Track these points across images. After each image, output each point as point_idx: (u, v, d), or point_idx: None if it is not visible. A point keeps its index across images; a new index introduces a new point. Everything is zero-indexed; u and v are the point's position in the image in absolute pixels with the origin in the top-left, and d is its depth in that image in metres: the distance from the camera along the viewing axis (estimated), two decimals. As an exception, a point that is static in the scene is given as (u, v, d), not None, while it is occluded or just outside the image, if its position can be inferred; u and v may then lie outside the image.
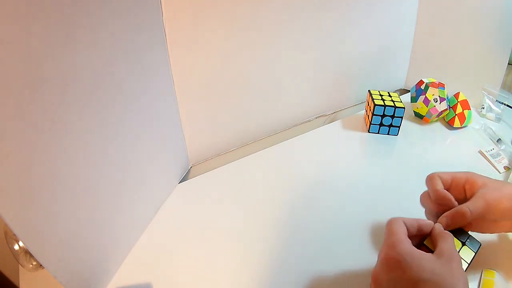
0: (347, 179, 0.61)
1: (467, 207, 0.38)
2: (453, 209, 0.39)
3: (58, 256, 0.35)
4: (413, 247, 0.33)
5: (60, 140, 0.34)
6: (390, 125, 0.71)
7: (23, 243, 0.33)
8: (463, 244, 0.39)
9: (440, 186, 0.41)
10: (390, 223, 0.36)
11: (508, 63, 0.74)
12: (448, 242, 0.34)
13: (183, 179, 0.63)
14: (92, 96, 0.38)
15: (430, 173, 0.43)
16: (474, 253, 0.39)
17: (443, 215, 0.39)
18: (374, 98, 0.70)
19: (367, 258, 0.46)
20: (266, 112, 0.73)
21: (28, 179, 0.31)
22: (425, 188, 0.59)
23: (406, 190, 0.58)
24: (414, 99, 0.74)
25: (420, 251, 0.33)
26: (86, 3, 0.35)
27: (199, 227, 0.52)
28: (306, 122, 0.80)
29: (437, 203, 0.41)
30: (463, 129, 0.73)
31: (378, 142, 0.70)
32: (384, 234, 0.36)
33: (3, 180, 0.28)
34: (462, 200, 0.41)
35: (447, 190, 0.41)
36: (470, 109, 0.72)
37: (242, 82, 0.65)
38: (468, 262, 0.38)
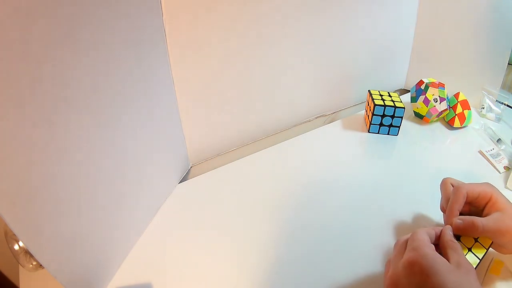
0: (347, 179, 0.61)
1: (481, 223, 0.38)
2: (470, 218, 0.39)
3: (58, 256, 0.35)
4: (437, 252, 0.33)
5: (60, 140, 0.34)
6: (390, 125, 0.71)
7: (23, 243, 0.33)
8: (476, 240, 0.40)
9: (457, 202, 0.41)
10: (414, 232, 0.36)
11: (508, 63, 0.73)
12: (461, 254, 0.34)
13: (183, 179, 0.63)
14: (92, 96, 0.38)
15: (459, 186, 0.42)
16: (485, 250, 0.39)
17: (459, 217, 0.40)
18: (374, 98, 0.70)
19: (367, 258, 0.47)
20: (266, 112, 0.73)
21: (28, 179, 0.31)
22: (424, 189, 0.60)
23: (406, 190, 0.59)
24: (414, 99, 0.74)
25: (443, 258, 0.33)
26: (86, 3, 0.35)
27: (199, 227, 0.52)
28: (306, 122, 0.80)
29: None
30: (463, 129, 0.73)
31: (378, 142, 0.70)
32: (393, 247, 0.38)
33: (3, 180, 0.28)
34: (480, 212, 0.42)
35: (470, 202, 0.42)
36: (470, 109, 0.72)
37: (242, 82, 0.65)
38: (480, 258, 0.38)
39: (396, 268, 0.34)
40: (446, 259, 0.34)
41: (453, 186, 0.44)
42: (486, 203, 0.41)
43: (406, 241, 0.36)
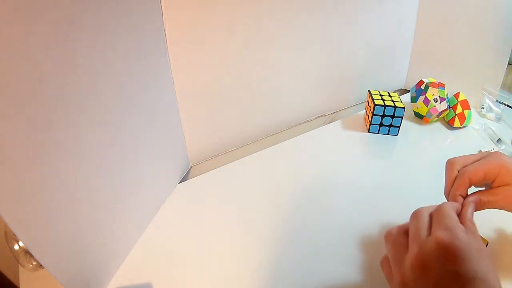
0: (347, 179, 0.61)
1: (487, 199, 0.37)
2: (476, 197, 0.37)
3: (58, 256, 0.35)
4: (469, 235, 0.30)
5: (60, 140, 0.34)
6: (390, 125, 0.71)
7: (23, 243, 0.33)
8: None
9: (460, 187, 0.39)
10: (441, 207, 0.33)
11: (508, 63, 0.74)
12: (479, 237, 0.32)
13: (183, 179, 0.63)
14: (92, 96, 0.38)
15: (462, 172, 0.39)
16: None
17: (468, 197, 0.38)
18: (374, 98, 0.70)
19: (366, 257, 0.47)
20: (266, 112, 0.73)
21: (28, 179, 0.31)
22: (424, 189, 0.60)
23: (406, 190, 0.59)
24: (414, 99, 0.74)
25: (474, 241, 0.30)
26: (86, 3, 0.35)
27: (199, 227, 0.52)
28: (306, 122, 0.80)
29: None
30: (463, 129, 0.73)
31: (378, 142, 0.70)
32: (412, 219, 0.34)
33: (3, 180, 0.28)
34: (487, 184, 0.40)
35: (478, 183, 0.39)
36: (470, 109, 0.72)
37: (242, 82, 0.65)
38: None
39: (424, 247, 0.30)
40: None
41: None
42: (496, 179, 0.38)
43: (430, 215, 0.33)
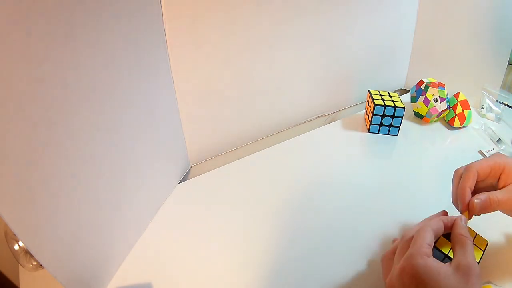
0: (347, 179, 0.61)
1: (496, 197, 0.37)
2: (485, 195, 0.38)
3: (58, 256, 0.35)
4: (431, 260, 0.32)
5: (60, 140, 0.34)
6: (390, 125, 0.71)
7: (23, 243, 0.33)
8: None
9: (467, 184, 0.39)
10: (420, 230, 0.35)
11: (508, 63, 0.73)
12: (467, 252, 0.33)
13: (183, 179, 0.63)
14: (92, 96, 0.38)
15: (469, 166, 0.40)
16: (482, 252, 0.39)
17: (476, 196, 0.38)
18: (374, 98, 0.70)
19: (366, 259, 0.47)
20: (266, 112, 0.73)
21: (28, 179, 0.31)
22: (424, 189, 0.59)
23: (406, 190, 0.59)
24: (414, 99, 0.74)
25: (438, 265, 0.32)
26: (86, 3, 0.35)
27: (199, 227, 0.52)
28: (306, 122, 0.80)
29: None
30: (463, 129, 0.73)
31: (378, 142, 0.70)
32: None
33: (3, 180, 0.28)
34: (492, 186, 0.41)
35: (485, 180, 0.40)
36: (470, 109, 0.72)
37: (242, 82, 0.65)
38: (477, 262, 0.37)
39: (392, 273, 0.34)
40: (454, 254, 0.33)
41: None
42: (501, 175, 0.39)
43: (411, 239, 0.35)
